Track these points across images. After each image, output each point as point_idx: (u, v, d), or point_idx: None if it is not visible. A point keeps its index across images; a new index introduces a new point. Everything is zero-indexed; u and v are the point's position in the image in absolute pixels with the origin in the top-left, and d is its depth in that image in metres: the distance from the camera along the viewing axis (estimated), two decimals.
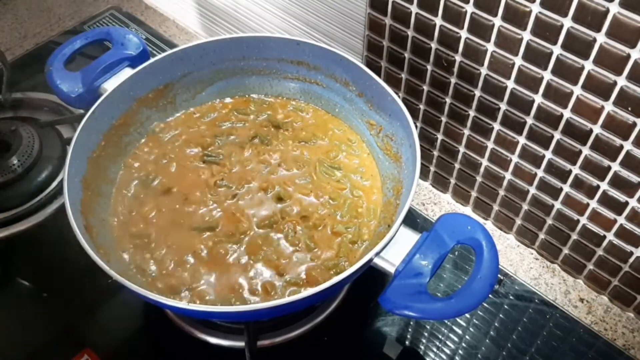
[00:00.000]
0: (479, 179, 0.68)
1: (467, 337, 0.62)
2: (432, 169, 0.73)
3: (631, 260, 0.59)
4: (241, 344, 0.59)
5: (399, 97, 0.58)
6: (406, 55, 0.63)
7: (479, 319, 0.63)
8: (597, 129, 0.53)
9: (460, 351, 0.61)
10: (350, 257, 0.56)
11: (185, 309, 0.46)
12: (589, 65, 0.49)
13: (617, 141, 0.52)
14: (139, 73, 0.62)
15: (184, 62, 0.65)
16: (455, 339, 0.62)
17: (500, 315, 0.64)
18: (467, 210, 0.73)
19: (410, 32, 0.61)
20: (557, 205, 0.62)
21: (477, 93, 0.60)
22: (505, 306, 0.64)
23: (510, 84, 0.56)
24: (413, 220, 0.71)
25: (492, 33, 0.54)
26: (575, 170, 0.57)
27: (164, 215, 0.59)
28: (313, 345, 0.61)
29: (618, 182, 0.55)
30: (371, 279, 0.61)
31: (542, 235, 0.67)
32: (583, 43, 0.48)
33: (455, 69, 0.59)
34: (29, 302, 0.65)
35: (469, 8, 0.54)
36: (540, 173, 0.61)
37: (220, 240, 0.57)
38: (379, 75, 0.61)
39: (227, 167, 0.62)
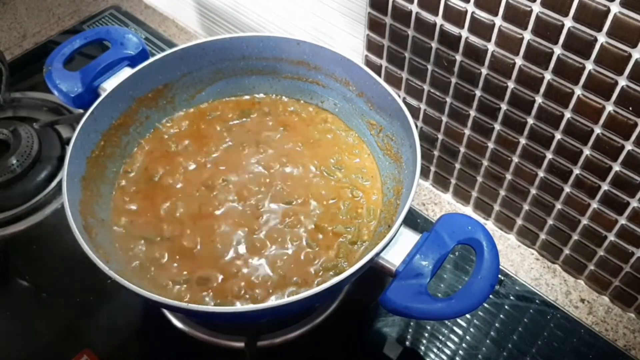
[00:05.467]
0: (479, 179, 0.68)
1: (467, 337, 0.62)
2: (433, 169, 0.73)
3: (632, 260, 0.59)
4: (241, 344, 0.59)
5: (399, 97, 0.58)
6: (406, 55, 0.63)
7: (480, 319, 0.63)
8: (598, 129, 0.52)
9: (460, 352, 0.61)
10: (350, 257, 0.56)
11: (185, 309, 0.46)
12: (590, 65, 0.49)
13: (619, 141, 0.52)
14: (138, 73, 0.62)
15: (184, 62, 0.65)
16: (456, 339, 0.62)
17: (501, 316, 0.63)
18: (468, 211, 0.73)
19: (410, 32, 0.61)
20: (558, 205, 0.62)
21: (478, 93, 0.59)
22: (506, 307, 0.64)
23: (511, 84, 0.56)
24: (413, 220, 0.71)
25: (493, 33, 0.53)
26: (576, 170, 0.57)
27: (164, 215, 0.58)
28: (313, 346, 0.61)
29: (619, 182, 0.54)
30: (371, 279, 0.61)
31: (543, 236, 0.66)
32: (584, 43, 0.48)
33: (456, 69, 0.59)
34: (28, 302, 0.64)
35: (470, 7, 0.53)
36: (541, 173, 0.61)
37: (221, 239, 0.57)
38: (379, 75, 0.61)
39: (227, 167, 0.62)
